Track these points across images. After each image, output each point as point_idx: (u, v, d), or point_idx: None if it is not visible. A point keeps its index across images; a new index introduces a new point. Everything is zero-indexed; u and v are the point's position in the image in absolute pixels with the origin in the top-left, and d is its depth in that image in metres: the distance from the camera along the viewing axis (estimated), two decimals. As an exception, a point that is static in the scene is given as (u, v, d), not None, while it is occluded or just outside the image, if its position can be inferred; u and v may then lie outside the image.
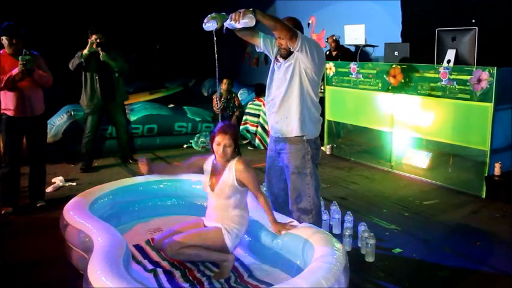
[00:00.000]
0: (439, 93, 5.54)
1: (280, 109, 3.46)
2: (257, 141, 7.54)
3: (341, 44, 8.20)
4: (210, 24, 3.30)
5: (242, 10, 3.10)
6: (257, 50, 3.71)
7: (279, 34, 3.31)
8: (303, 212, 3.50)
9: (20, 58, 4.49)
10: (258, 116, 7.65)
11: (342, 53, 8.07)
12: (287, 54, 3.42)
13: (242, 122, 7.85)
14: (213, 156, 3.45)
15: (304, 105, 3.43)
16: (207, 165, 3.48)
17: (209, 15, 3.32)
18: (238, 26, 3.17)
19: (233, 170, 3.28)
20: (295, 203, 3.52)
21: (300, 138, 3.45)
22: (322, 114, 7.24)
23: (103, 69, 6.24)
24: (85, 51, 6.07)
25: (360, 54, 7.39)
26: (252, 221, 3.49)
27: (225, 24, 3.26)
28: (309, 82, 3.40)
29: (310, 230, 3.15)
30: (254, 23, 3.13)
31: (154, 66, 11.95)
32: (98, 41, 6.09)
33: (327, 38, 8.40)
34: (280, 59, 3.48)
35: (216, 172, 3.40)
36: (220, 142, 3.24)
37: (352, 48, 8.22)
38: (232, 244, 3.35)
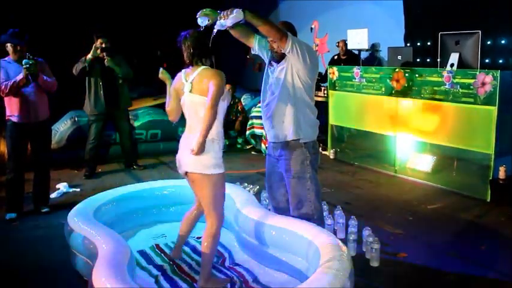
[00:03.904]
0: (443, 97, 5.53)
1: (275, 113, 3.43)
2: (263, 146, 7.54)
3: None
4: (201, 20, 3.23)
5: (230, 9, 3.09)
6: (252, 52, 3.69)
7: (269, 35, 3.27)
8: (305, 217, 3.47)
9: (23, 62, 4.52)
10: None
11: (349, 57, 8.06)
12: (279, 58, 3.39)
13: (248, 127, 7.84)
14: None
15: (299, 109, 3.39)
16: None
17: (203, 10, 3.26)
18: (228, 23, 3.13)
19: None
20: (297, 209, 3.50)
21: (297, 142, 3.41)
22: (326, 119, 7.28)
23: (107, 75, 6.24)
24: (89, 56, 6.06)
25: (365, 58, 7.39)
26: (256, 225, 3.49)
27: (215, 27, 3.21)
28: (302, 85, 3.36)
29: (314, 232, 3.14)
30: (242, 16, 3.09)
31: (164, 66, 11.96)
32: (103, 45, 6.10)
33: (338, 42, 8.40)
34: (274, 63, 3.47)
35: None
36: None
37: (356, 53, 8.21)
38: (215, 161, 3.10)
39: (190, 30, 3.15)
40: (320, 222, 3.55)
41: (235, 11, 3.07)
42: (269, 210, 3.86)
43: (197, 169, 3.06)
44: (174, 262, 3.64)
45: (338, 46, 8.38)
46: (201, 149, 2.97)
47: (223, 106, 3.12)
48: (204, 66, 3.10)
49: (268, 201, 3.92)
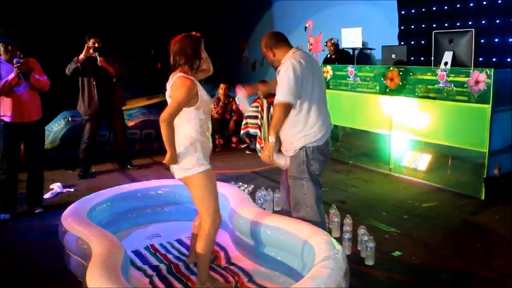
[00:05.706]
0: (437, 95, 5.54)
1: None
2: (258, 145, 7.51)
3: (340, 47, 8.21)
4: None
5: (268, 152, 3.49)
6: None
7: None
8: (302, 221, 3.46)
9: (14, 61, 4.49)
10: (257, 117, 7.61)
11: (341, 56, 8.06)
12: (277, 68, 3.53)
13: (242, 127, 7.81)
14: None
15: (298, 112, 3.49)
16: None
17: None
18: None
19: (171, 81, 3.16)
20: (295, 211, 3.52)
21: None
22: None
23: (100, 74, 6.21)
24: (81, 56, 6.03)
25: (357, 57, 7.39)
26: (251, 224, 3.48)
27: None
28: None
29: (309, 231, 3.14)
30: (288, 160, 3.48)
31: (158, 66, 11.92)
32: (95, 45, 6.07)
33: (326, 42, 8.40)
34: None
35: None
36: None
37: (350, 51, 8.22)
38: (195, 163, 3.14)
39: (181, 35, 3.14)
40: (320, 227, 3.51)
41: (280, 157, 3.55)
42: (264, 209, 3.86)
43: (181, 174, 3.16)
44: (169, 262, 3.63)
45: (326, 46, 8.38)
46: (172, 162, 3.17)
47: (198, 114, 3.14)
48: (180, 74, 3.09)
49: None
